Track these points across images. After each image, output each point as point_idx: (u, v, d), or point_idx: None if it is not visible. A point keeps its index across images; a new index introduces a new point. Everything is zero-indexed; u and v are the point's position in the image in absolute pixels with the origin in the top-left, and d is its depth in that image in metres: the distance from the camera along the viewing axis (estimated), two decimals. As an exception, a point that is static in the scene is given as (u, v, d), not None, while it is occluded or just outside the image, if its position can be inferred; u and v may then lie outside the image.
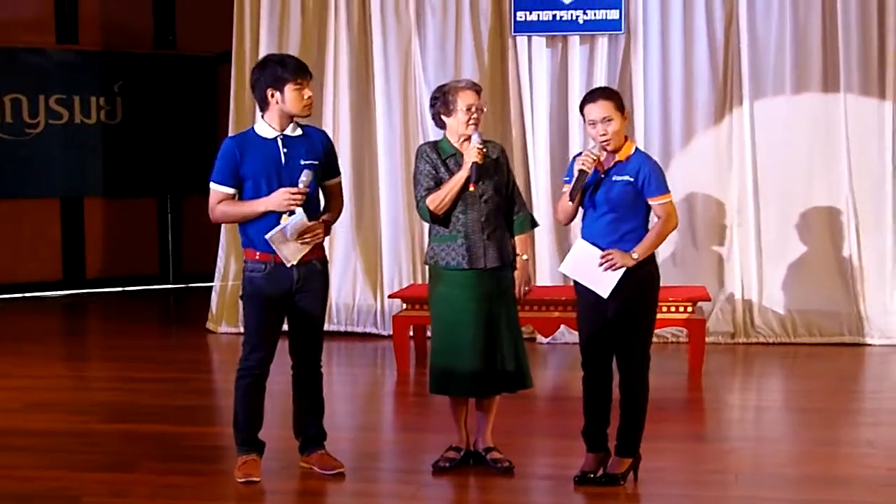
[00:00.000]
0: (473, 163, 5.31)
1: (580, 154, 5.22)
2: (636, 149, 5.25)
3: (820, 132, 8.73)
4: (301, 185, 5.17)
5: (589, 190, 5.20)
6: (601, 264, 5.14)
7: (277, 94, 5.21)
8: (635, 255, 5.12)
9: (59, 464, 5.71)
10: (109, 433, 6.35)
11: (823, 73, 8.69)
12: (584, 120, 5.21)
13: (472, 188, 5.34)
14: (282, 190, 5.16)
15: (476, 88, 5.47)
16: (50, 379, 7.94)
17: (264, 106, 5.28)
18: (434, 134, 8.59)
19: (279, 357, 5.41)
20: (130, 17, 11.84)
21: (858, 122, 8.63)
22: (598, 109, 5.12)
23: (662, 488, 5.32)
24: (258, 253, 5.27)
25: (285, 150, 5.25)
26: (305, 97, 5.23)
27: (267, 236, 5.16)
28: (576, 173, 5.14)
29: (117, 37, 11.76)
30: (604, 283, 5.15)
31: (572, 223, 5.54)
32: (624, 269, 5.11)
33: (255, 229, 5.26)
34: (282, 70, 5.21)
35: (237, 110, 9.40)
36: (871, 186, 8.65)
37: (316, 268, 5.37)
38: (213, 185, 5.28)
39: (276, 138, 5.25)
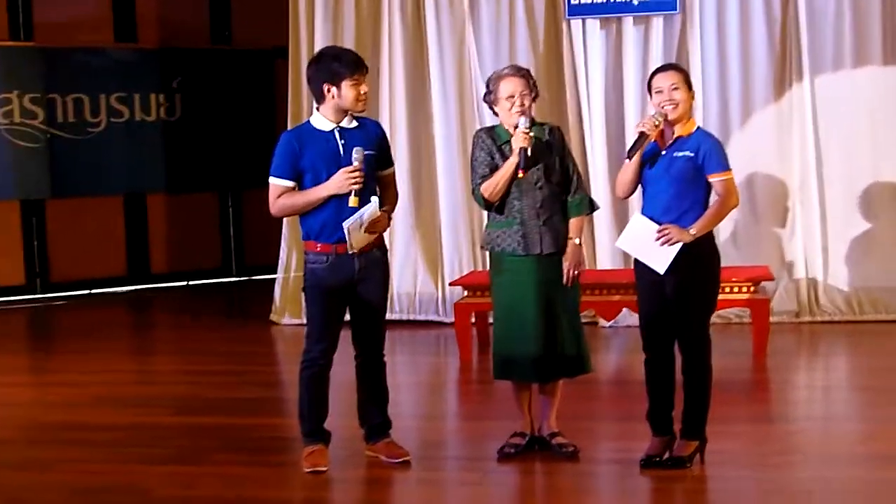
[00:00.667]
0: (521, 149, 5.29)
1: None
2: (698, 127, 5.26)
3: (882, 106, 8.60)
4: (356, 163, 5.18)
5: (647, 164, 5.20)
6: (658, 239, 5.12)
7: (334, 88, 5.24)
8: (693, 231, 5.09)
9: (127, 457, 5.79)
10: (177, 426, 6.42)
11: (884, 45, 8.55)
12: (651, 94, 5.25)
13: (521, 174, 5.32)
14: (340, 171, 5.18)
15: (520, 74, 5.44)
16: (117, 374, 8.04)
17: (320, 99, 5.30)
18: (491, 119, 8.59)
19: (343, 347, 5.43)
20: (187, 14, 11.94)
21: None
22: (666, 78, 5.18)
23: (729, 470, 5.28)
24: (319, 245, 5.30)
25: (342, 141, 5.27)
26: (362, 92, 5.25)
27: (345, 224, 5.17)
28: (636, 135, 5.17)
29: (174, 34, 11.86)
30: (661, 258, 5.12)
31: (631, 198, 5.51)
32: (680, 245, 5.08)
33: (314, 221, 5.29)
34: (338, 65, 5.23)
35: (294, 104, 9.44)
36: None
37: (376, 256, 5.39)
38: (272, 180, 5.30)
39: (332, 130, 5.27)
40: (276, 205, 5.34)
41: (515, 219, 5.41)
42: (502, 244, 5.44)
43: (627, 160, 5.25)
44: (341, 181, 5.18)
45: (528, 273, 5.41)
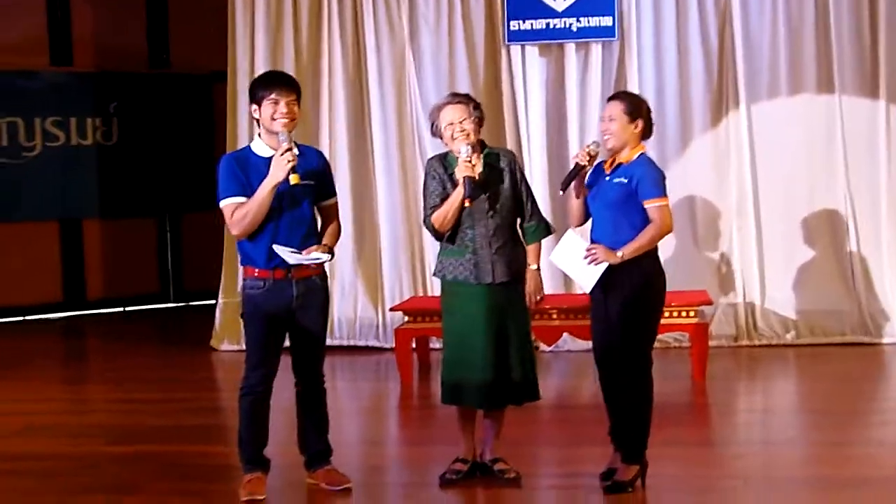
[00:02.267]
0: (465, 178, 5.26)
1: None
2: (642, 154, 5.30)
3: (816, 133, 8.72)
4: (284, 144, 5.10)
5: (592, 191, 5.29)
6: (585, 257, 5.18)
7: (258, 111, 5.21)
8: (620, 254, 5.14)
9: (60, 487, 5.67)
10: (112, 455, 6.31)
11: (818, 74, 8.68)
12: None
13: (468, 204, 5.29)
14: (274, 158, 5.10)
15: (456, 100, 5.41)
16: (51, 402, 7.91)
17: (258, 124, 5.27)
18: (435, 143, 8.58)
19: (282, 373, 5.37)
20: (124, 37, 11.81)
21: (854, 122, 8.63)
22: (608, 108, 5.30)
23: (671, 495, 5.29)
24: (257, 270, 5.24)
25: None
26: (279, 111, 5.16)
27: (280, 250, 5.11)
28: (572, 165, 5.26)
29: (112, 57, 11.73)
30: (588, 277, 5.21)
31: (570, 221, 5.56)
32: (606, 265, 5.13)
33: (252, 246, 5.23)
34: (260, 85, 5.24)
35: (232, 129, 9.38)
36: (867, 185, 8.64)
37: (316, 283, 5.34)
38: (224, 202, 5.20)
39: (272, 157, 5.21)
40: (233, 223, 5.19)
41: (468, 247, 5.39)
42: (454, 272, 5.42)
43: (561, 192, 5.37)
44: (277, 167, 5.08)
45: (479, 301, 5.39)
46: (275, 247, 5.15)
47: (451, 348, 5.50)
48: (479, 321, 5.37)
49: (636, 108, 5.28)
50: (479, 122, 5.43)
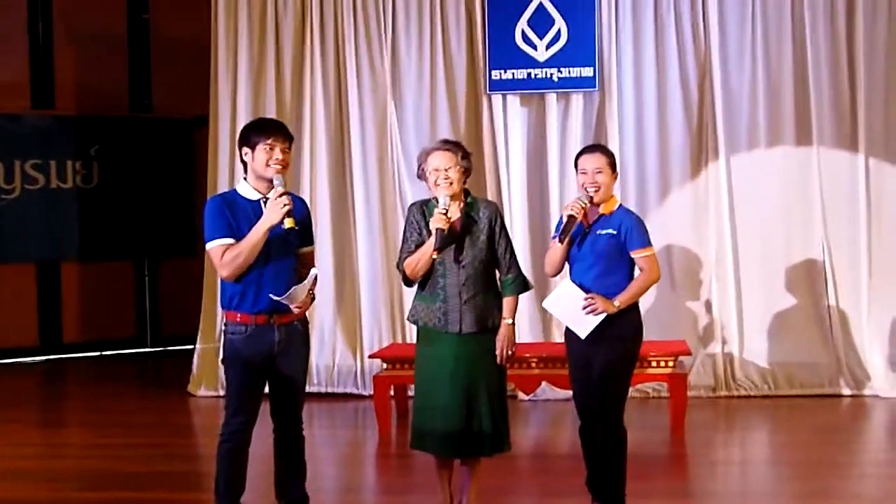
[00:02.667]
0: (437, 229, 5.26)
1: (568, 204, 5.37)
2: (620, 205, 5.43)
3: (794, 184, 8.79)
4: (279, 188, 5.11)
5: (576, 242, 5.35)
6: (584, 308, 5.23)
7: (250, 152, 5.22)
8: (616, 303, 5.25)
9: (36, 534, 5.63)
10: (86, 501, 6.25)
11: (796, 126, 8.76)
12: (577, 171, 5.43)
13: (435, 255, 5.30)
14: (269, 202, 5.11)
15: (445, 147, 5.43)
16: (25, 447, 7.83)
17: (245, 168, 5.29)
18: (416, 191, 8.63)
19: (259, 419, 5.34)
20: (106, 82, 11.83)
21: (832, 175, 8.70)
22: (592, 160, 5.36)
23: (649, 546, 5.27)
24: (239, 314, 5.22)
25: None
26: (274, 158, 5.17)
27: (274, 298, 5.12)
28: (564, 218, 5.29)
29: (93, 101, 11.75)
30: (584, 325, 5.27)
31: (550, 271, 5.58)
32: (604, 315, 5.22)
33: (236, 290, 5.20)
34: (255, 130, 5.25)
35: (213, 174, 9.38)
36: (845, 238, 8.70)
37: (297, 328, 5.33)
38: (212, 245, 5.16)
39: (259, 201, 5.22)
40: (223, 264, 5.15)
41: (439, 295, 5.40)
42: (425, 318, 5.43)
43: (559, 243, 5.36)
44: (273, 211, 5.09)
45: (447, 349, 5.39)
46: (272, 297, 5.13)
47: (419, 394, 5.50)
48: (445, 369, 5.37)
49: (613, 160, 5.43)
50: (466, 172, 5.44)
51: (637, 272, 5.38)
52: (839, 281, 8.68)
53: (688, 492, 6.42)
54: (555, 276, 5.59)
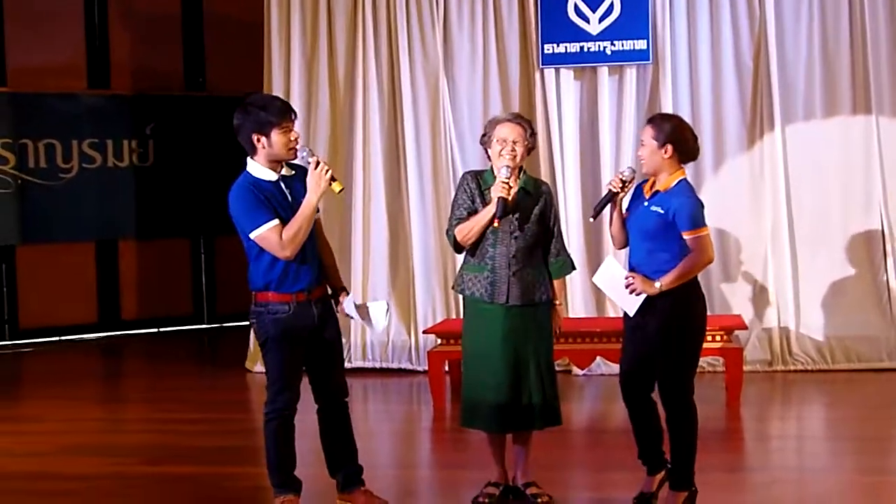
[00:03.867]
0: (500, 198, 5.28)
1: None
2: (680, 181, 5.20)
3: (852, 154, 8.67)
4: (311, 160, 5.13)
5: (630, 215, 5.28)
6: (626, 286, 5.16)
7: (263, 138, 5.18)
8: (658, 285, 5.09)
9: (97, 507, 5.72)
10: (147, 476, 6.34)
11: (853, 95, 8.64)
12: None
13: (496, 224, 5.31)
14: (309, 176, 5.12)
15: (517, 121, 5.44)
16: (85, 422, 7.95)
17: (252, 151, 5.24)
18: (468, 166, 8.63)
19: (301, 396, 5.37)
20: (161, 61, 11.93)
21: (891, 145, 8.58)
22: (642, 133, 5.25)
23: (705, 521, 5.25)
24: (281, 294, 5.21)
25: (288, 190, 5.24)
26: (292, 139, 5.19)
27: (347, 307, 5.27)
28: (604, 191, 5.28)
29: (148, 80, 11.85)
30: (629, 302, 5.17)
31: (607, 245, 5.57)
32: (645, 295, 5.10)
33: (273, 272, 5.20)
34: (266, 114, 5.16)
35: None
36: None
37: (329, 303, 5.39)
38: (261, 229, 5.11)
39: (278, 181, 5.23)
40: (285, 244, 5.11)
41: (487, 265, 5.40)
42: (472, 288, 5.44)
43: (591, 219, 5.41)
44: (318, 180, 5.10)
45: (495, 321, 5.39)
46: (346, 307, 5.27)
47: (468, 369, 5.53)
48: (495, 342, 5.37)
49: (662, 133, 5.17)
50: (529, 150, 5.45)
51: None
52: (897, 252, 8.57)
53: (744, 467, 6.39)
54: (620, 248, 5.51)
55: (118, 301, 11.89)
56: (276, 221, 5.13)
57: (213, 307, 12.30)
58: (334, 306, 5.39)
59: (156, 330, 11.96)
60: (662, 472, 5.32)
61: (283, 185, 5.23)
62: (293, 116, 5.25)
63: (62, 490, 6.05)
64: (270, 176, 5.22)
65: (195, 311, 12.26)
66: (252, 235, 5.17)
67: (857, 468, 6.12)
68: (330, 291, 5.41)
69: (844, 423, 7.25)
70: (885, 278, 8.60)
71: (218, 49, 12.09)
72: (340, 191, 5.18)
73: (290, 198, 5.21)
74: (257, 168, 5.24)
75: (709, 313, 7.86)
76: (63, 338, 11.51)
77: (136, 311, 11.94)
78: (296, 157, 5.22)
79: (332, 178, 5.11)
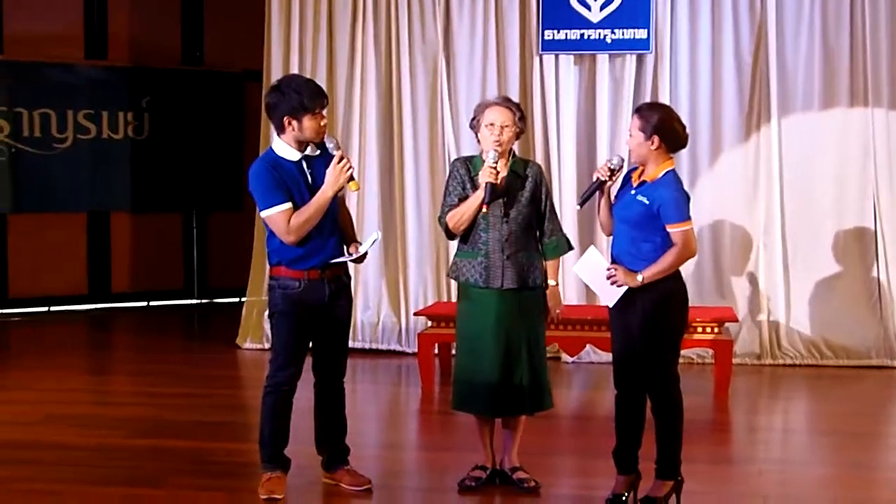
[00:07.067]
0: (487, 183, 5.27)
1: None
2: (667, 172, 5.14)
3: (848, 148, 8.66)
4: (336, 153, 5.17)
5: (617, 202, 5.25)
6: (607, 278, 5.13)
7: (295, 122, 5.19)
8: (640, 278, 5.05)
9: (79, 478, 5.70)
10: (133, 448, 6.33)
11: (851, 88, 8.63)
12: None
13: (485, 209, 5.30)
14: (329, 170, 5.15)
15: (506, 105, 5.43)
16: (73, 392, 7.94)
17: (280, 130, 5.26)
18: (464, 151, 8.64)
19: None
20: (159, 33, 11.88)
21: (886, 138, 8.58)
22: (631, 123, 5.19)
23: (690, 511, 5.26)
24: (292, 271, 5.24)
25: (309, 170, 5.26)
26: (322, 125, 5.23)
27: (336, 261, 5.26)
28: (593, 179, 5.25)
29: (145, 52, 11.80)
30: (610, 294, 5.14)
31: (598, 233, 5.55)
32: (626, 287, 5.06)
33: (289, 249, 5.23)
34: (300, 98, 5.17)
35: (266, 127, 9.38)
36: (899, 205, 8.60)
37: (344, 282, 5.41)
38: (272, 210, 5.16)
39: (300, 161, 5.25)
40: (290, 230, 5.16)
41: (480, 251, 5.40)
42: (466, 274, 5.44)
43: (578, 207, 5.40)
44: (337, 177, 5.14)
45: (489, 306, 5.39)
46: (345, 259, 5.28)
47: (461, 352, 5.53)
48: (488, 326, 5.38)
49: (649, 125, 5.09)
50: (518, 134, 5.44)
51: None
52: (890, 250, 8.57)
53: (731, 458, 6.41)
54: (609, 235, 5.47)
55: (109, 273, 11.87)
56: (287, 205, 5.16)
57: (205, 282, 12.29)
58: (346, 255, 5.37)
59: (146, 303, 11.94)
60: (632, 476, 5.29)
61: (304, 164, 5.25)
62: (325, 102, 5.26)
63: (45, 459, 6.04)
64: (294, 155, 5.24)
65: (186, 286, 12.24)
66: (262, 215, 5.24)
67: (841, 462, 6.14)
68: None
69: (832, 418, 7.27)
70: (876, 275, 8.61)
71: (216, 24, 12.05)
72: (355, 190, 5.24)
73: (310, 179, 5.24)
74: (282, 147, 5.27)
75: (700, 305, 7.93)
76: (52, 308, 11.50)
77: (127, 283, 11.93)
78: (321, 140, 5.25)
79: (351, 177, 5.15)
